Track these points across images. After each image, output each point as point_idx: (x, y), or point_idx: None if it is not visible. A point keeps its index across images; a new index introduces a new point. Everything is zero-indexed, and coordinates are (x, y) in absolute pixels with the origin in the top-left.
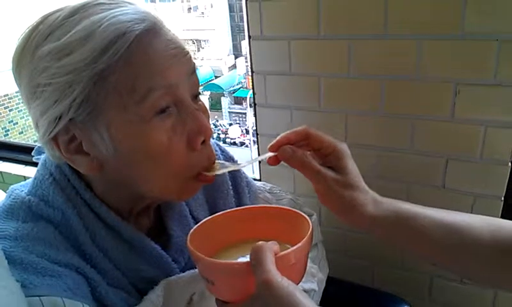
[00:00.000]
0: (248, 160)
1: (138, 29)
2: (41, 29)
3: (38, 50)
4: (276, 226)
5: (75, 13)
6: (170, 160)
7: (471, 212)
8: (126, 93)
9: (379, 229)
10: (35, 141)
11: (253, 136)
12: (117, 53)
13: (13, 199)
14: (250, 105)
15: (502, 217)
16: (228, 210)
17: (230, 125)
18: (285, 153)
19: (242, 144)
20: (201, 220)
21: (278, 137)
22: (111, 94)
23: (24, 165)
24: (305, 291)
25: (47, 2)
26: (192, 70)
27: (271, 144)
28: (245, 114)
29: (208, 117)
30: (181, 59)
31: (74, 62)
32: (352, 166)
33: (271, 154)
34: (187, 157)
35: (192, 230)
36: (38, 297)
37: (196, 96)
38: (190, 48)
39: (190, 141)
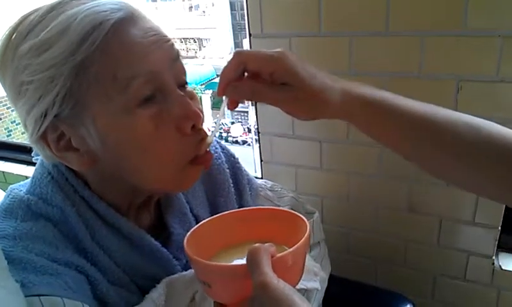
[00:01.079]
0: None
1: (114, 18)
2: (20, 29)
3: (18, 49)
4: (273, 227)
5: (52, 10)
6: (160, 149)
7: (475, 208)
8: (108, 83)
9: (347, 115)
10: None
11: (255, 135)
12: (94, 43)
13: (12, 198)
14: (252, 104)
15: (506, 213)
16: (226, 212)
17: (232, 123)
18: (230, 92)
19: (244, 142)
20: (202, 217)
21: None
22: (92, 85)
23: (25, 165)
24: (308, 290)
25: (29, 2)
26: (176, 56)
27: (217, 89)
28: (247, 112)
29: (197, 102)
30: (162, 45)
31: (53, 57)
32: (302, 74)
33: (224, 103)
34: (178, 142)
35: (189, 233)
36: (37, 297)
37: (183, 86)
38: (185, 45)
39: (178, 127)
